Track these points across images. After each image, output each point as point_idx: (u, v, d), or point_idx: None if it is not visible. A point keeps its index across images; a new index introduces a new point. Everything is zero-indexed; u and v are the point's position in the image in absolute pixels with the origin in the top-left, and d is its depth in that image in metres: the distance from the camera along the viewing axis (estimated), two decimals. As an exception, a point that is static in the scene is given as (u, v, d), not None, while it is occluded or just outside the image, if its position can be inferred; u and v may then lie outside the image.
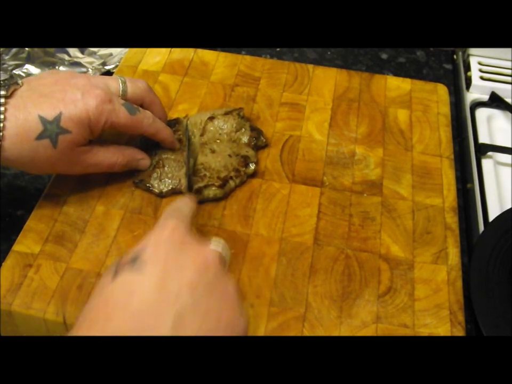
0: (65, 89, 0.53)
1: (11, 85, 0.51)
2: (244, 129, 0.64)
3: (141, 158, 0.60)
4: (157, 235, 0.43)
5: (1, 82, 0.52)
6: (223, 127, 0.64)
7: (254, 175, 0.62)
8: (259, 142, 0.64)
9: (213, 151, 0.62)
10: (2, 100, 0.50)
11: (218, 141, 0.63)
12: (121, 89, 0.56)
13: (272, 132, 0.67)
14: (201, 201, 0.59)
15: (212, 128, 0.64)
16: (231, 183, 0.60)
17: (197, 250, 0.43)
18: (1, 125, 0.49)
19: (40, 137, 0.51)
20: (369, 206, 0.60)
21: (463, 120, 0.77)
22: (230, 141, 0.64)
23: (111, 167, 0.57)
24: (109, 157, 0.57)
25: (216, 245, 0.45)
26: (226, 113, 0.65)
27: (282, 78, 0.74)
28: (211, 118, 0.65)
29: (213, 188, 0.59)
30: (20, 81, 0.52)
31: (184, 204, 0.49)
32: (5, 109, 0.50)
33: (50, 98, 0.52)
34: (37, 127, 0.51)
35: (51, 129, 0.51)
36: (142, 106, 0.58)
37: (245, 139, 0.64)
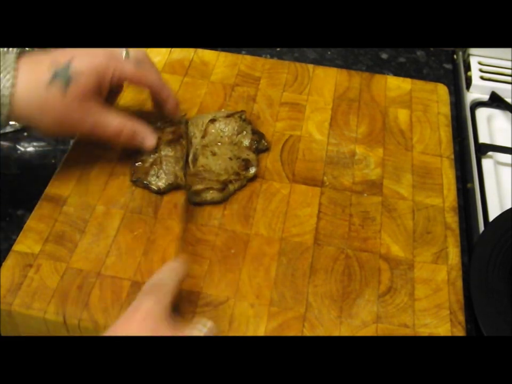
0: (75, 51, 0.55)
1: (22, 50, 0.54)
2: (245, 132, 0.64)
3: (147, 136, 0.60)
4: (127, 321, 0.41)
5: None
6: (224, 130, 0.64)
7: (253, 178, 0.62)
8: (260, 146, 0.64)
9: (213, 154, 0.62)
10: (15, 56, 0.52)
11: (219, 143, 0.63)
12: (124, 53, 0.58)
13: (273, 131, 0.67)
14: (199, 204, 0.59)
15: (213, 131, 0.64)
16: (230, 187, 0.60)
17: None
18: (14, 73, 0.51)
19: (50, 83, 0.52)
20: (369, 206, 0.60)
21: (463, 120, 0.77)
22: (231, 143, 0.63)
23: (117, 134, 0.58)
24: (117, 122, 0.57)
25: (197, 331, 0.42)
26: (228, 116, 0.65)
27: (282, 78, 0.74)
28: (212, 121, 0.64)
29: (211, 191, 0.59)
30: (27, 49, 0.55)
31: (172, 270, 0.47)
32: (18, 65, 0.52)
33: (61, 50, 0.54)
34: (48, 71, 0.52)
35: (62, 75, 0.52)
36: None
37: (246, 142, 0.64)
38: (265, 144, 0.65)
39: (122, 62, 0.57)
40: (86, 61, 0.54)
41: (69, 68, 0.53)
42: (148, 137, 0.60)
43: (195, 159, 0.62)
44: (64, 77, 0.52)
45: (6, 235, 0.60)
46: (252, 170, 0.61)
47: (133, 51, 0.59)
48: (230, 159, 0.62)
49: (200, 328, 0.43)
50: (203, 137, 0.64)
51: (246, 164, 0.61)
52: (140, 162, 0.61)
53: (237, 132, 0.64)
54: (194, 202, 0.59)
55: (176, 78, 0.73)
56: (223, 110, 0.68)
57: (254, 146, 0.63)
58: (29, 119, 0.55)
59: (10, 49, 0.53)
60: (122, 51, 0.58)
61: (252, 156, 0.62)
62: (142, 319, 0.41)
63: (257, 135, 0.64)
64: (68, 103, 0.53)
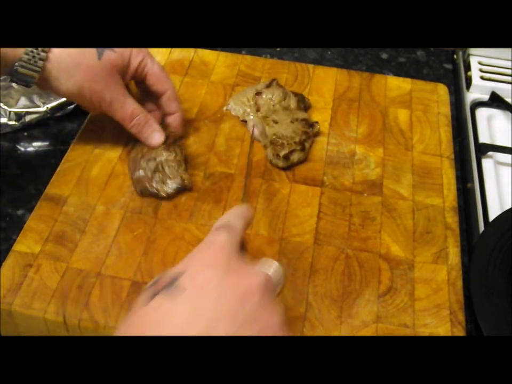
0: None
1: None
2: (288, 96, 0.68)
3: (157, 132, 0.61)
4: (201, 254, 0.40)
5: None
6: (273, 99, 0.67)
7: (317, 134, 0.67)
8: (306, 104, 0.69)
9: (275, 122, 0.65)
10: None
11: (274, 111, 0.67)
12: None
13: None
14: (287, 168, 0.63)
15: (263, 102, 0.67)
16: (306, 145, 0.64)
17: (242, 274, 0.39)
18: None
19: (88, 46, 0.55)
20: (369, 205, 0.60)
21: (463, 120, 0.77)
22: (283, 109, 0.67)
23: (130, 119, 0.60)
24: (134, 107, 0.60)
25: (266, 267, 0.42)
26: (268, 86, 0.69)
27: (282, 78, 0.74)
28: (259, 93, 0.68)
29: (297, 153, 0.63)
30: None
31: (239, 214, 0.46)
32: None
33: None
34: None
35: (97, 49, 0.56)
36: None
37: (293, 104, 0.67)
38: (308, 101, 0.69)
39: (152, 58, 0.61)
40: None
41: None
42: (157, 134, 0.61)
43: (263, 131, 0.65)
44: (99, 47, 0.56)
45: (6, 235, 0.60)
46: (318, 126, 0.66)
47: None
48: (292, 122, 0.65)
49: (267, 267, 0.42)
50: (258, 110, 0.67)
51: (307, 122, 0.65)
52: (140, 171, 0.60)
53: (282, 98, 0.67)
54: (283, 167, 0.63)
55: (176, 78, 0.73)
56: (262, 81, 0.72)
57: (302, 106, 0.68)
58: (62, 70, 0.56)
59: None
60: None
61: (305, 115, 0.67)
62: (218, 250, 0.40)
63: (299, 96, 0.69)
64: (100, 67, 0.56)
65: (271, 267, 0.42)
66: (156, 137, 0.61)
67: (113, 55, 0.57)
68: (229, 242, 0.41)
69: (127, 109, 0.60)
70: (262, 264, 0.42)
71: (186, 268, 0.39)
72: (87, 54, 0.56)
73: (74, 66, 0.56)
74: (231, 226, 0.43)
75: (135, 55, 0.60)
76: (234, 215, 0.46)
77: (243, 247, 0.46)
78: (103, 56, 0.57)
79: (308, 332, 0.51)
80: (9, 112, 0.70)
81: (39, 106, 0.71)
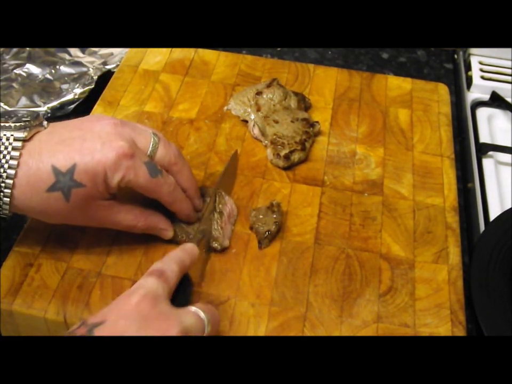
0: (85, 137, 0.48)
1: (34, 126, 0.48)
2: (288, 95, 0.68)
3: (164, 228, 0.54)
4: (122, 304, 0.41)
5: (25, 123, 0.49)
6: (273, 98, 0.67)
7: (318, 133, 0.67)
8: (306, 104, 0.69)
9: (276, 122, 0.65)
10: (19, 144, 0.47)
11: (275, 111, 0.66)
12: (150, 148, 0.51)
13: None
14: (288, 167, 0.63)
15: (263, 102, 0.67)
16: (307, 145, 0.64)
17: (160, 326, 0.40)
18: (13, 171, 0.47)
19: (51, 189, 0.47)
20: (370, 205, 0.60)
21: (463, 119, 0.77)
22: (283, 108, 0.67)
23: (129, 229, 0.53)
24: (130, 219, 0.52)
25: (188, 318, 0.42)
26: (268, 86, 0.68)
27: (283, 78, 0.74)
28: (259, 93, 0.67)
29: (297, 152, 0.63)
30: (45, 123, 0.49)
31: (174, 259, 0.46)
32: (20, 154, 0.47)
33: (66, 147, 0.48)
34: (48, 178, 0.47)
35: (64, 182, 0.47)
36: (167, 172, 0.53)
37: (293, 104, 0.67)
38: (309, 101, 0.69)
39: (135, 168, 0.49)
40: (93, 165, 0.47)
41: (72, 174, 0.47)
42: (165, 230, 0.55)
43: (264, 131, 0.65)
44: (66, 184, 0.47)
45: (7, 235, 0.60)
46: (318, 125, 0.66)
47: (164, 146, 0.52)
48: (292, 121, 0.65)
49: (189, 318, 0.42)
50: (258, 110, 0.66)
51: (308, 122, 0.66)
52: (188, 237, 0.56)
53: (283, 98, 0.67)
54: (284, 167, 0.63)
55: (177, 78, 0.73)
56: (262, 81, 0.71)
57: (302, 106, 0.68)
58: (32, 215, 0.52)
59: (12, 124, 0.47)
60: (150, 141, 0.51)
61: (306, 114, 0.67)
62: (140, 299, 0.40)
63: (300, 95, 0.69)
64: (70, 209, 0.49)
65: (198, 314, 0.43)
66: (166, 234, 0.55)
67: (83, 190, 0.48)
68: (154, 291, 0.41)
69: (122, 224, 0.52)
70: (186, 314, 0.42)
71: (105, 318, 0.40)
72: (52, 201, 0.48)
73: (40, 214, 0.50)
74: (162, 273, 0.44)
75: (111, 176, 0.48)
76: (169, 260, 0.46)
77: (189, 288, 0.47)
78: (70, 197, 0.48)
79: (308, 332, 0.51)
80: (10, 111, 0.70)
81: (39, 106, 0.71)
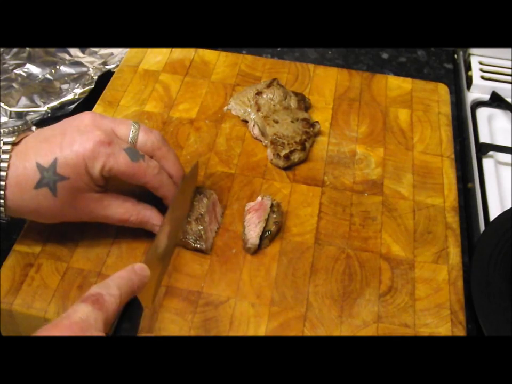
0: (65, 132, 0.49)
1: (23, 131, 0.49)
2: (288, 95, 0.68)
3: (157, 224, 0.54)
4: (47, 332, 0.38)
5: (15, 128, 0.51)
6: (273, 98, 0.67)
7: (318, 134, 0.67)
8: (306, 104, 0.69)
9: (276, 122, 0.65)
10: (8, 147, 0.48)
11: (275, 111, 0.66)
12: (131, 135, 0.52)
13: (273, 131, 0.67)
14: (288, 167, 0.63)
15: (263, 102, 0.67)
16: (307, 145, 0.64)
17: None
18: (4, 174, 0.48)
19: (38, 185, 0.48)
20: (370, 205, 0.60)
21: (463, 119, 0.77)
22: (283, 108, 0.67)
23: (121, 222, 0.53)
24: (121, 212, 0.52)
25: None
26: (268, 86, 0.68)
27: (283, 78, 0.74)
28: (259, 93, 0.67)
29: (297, 152, 0.63)
30: (33, 128, 0.50)
31: (118, 283, 0.43)
32: (10, 157, 0.48)
33: (48, 143, 0.49)
34: (34, 175, 0.48)
35: (48, 177, 0.48)
36: (152, 158, 0.53)
37: (293, 104, 0.68)
38: (309, 101, 0.69)
39: (115, 154, 0.49)
40: (72, 157, 0.48)
41: (55, 168, 0.48)
42: (158, 226, 0.54)
43: (264, 131, 0.65)
44: (51, 179, 0.48)
45: (7, 235, 0.60)
46: (318, 125, 0.66)
47: (145, 133, 0.52)
48: (292, 122, 0.65)
49: None
50: (258, 110, 0.66)
51: (308, 122, 0.66)
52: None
53: (283, 98, 0.67)
54: (284, 167, 0.63)
55: (177, 78, 0.73)
56: (262, 81, 0.71)
57: (303, 106, 0.68)
58: (26, 216, 0.53)
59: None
60: (130, 129, 0.52)
61: (306, 115, 0.67)
62: (66, 328, 0.38)
63: (300, 95, 0.69)
64: (59, 204, 0.49)
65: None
66: (156, 230, 0.53)
67: (67, 183, 0.49)
68: (84, 321, 0.39)
69: (114, 217, 0.52)
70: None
71: None
72: (40, 198, 0.49)
73: (32, 213, 0.51)
74: (98, 300, 0.40)
75: (91, 165, 0.49)
76: (110, 284, 0.42)
77: (137, 314, 0.44)
78: (57, 191, 0.49)
79: (308, 332, 0.51)
80: (10, 111, 0.70)
81: (39, 106, 0.71)
